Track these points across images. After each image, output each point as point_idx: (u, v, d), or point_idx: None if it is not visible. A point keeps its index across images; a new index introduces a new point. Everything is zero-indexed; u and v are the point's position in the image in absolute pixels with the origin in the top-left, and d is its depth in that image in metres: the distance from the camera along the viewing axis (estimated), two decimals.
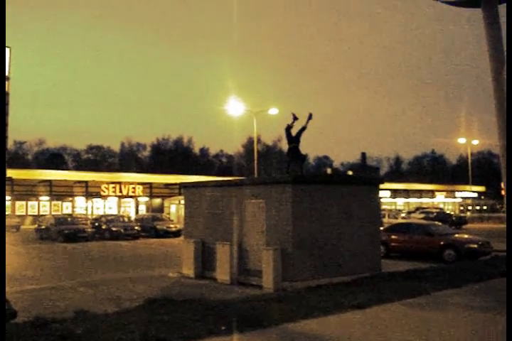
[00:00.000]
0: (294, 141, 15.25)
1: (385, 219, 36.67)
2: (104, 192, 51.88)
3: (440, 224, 23.64)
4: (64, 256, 22.86)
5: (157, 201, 56.22)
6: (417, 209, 55.45)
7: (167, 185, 55.38)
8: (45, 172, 51.74)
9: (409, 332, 8.31)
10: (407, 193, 78.60)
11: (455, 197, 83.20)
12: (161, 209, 54.39)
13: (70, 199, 51.16)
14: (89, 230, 32.66)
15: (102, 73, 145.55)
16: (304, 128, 15.22)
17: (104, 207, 52.73)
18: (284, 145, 16.23)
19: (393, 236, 21.10)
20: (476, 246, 19.33)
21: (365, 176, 19.25)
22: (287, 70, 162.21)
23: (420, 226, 21.68)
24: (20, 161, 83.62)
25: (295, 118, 15.31)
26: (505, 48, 5.00)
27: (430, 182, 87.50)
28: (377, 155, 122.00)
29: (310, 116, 15.21)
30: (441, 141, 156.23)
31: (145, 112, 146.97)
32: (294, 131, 15.32)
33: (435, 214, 46.16)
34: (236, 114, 43.90)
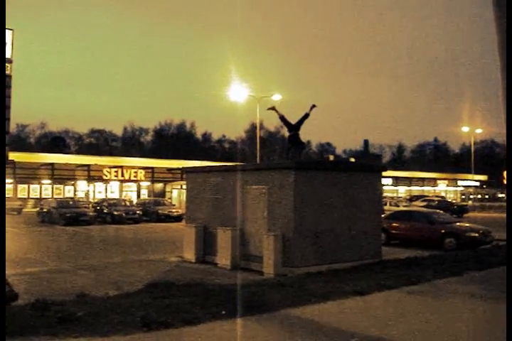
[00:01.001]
0: (294, 128, 15.42)
1: (387, 207, 36.66)
2: (106, 176, 51.85)
3: (441, 212, 23.62)
4: (65, 240, 22.93)
5: (159, 185, 56.23)
6: (412, 197, 55.32)
7: (169, 170, 55.32)
8: (47, 156, 51.66)
9: (410, 319, 8.32)
10: (409, 181, 78.58)
11: (457, 186, 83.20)
12: (162, 193, 54.42)
13: (72, 182, 51.18)
14: (91, 214, 32.72)
15: (105, 57, 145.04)
16: (306, 116, 15.41)
17: (106, 191, 52.76)
18: (287, 132, 16.46)
19: (394, 224, 21.10)
20: (477, 234, 19.32)
21: (368, 163, 19.24)
22: (291, 57, 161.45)
23: (421, 214, 21.67)
24: (23, 144, 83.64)
25: (273, 108, 15.91)
26: None
27: (432, 170, 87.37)
28: (379, 143, 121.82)
29: (313, 106, 15.59)
30: (445, 129, 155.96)
31: (148, 97, 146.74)
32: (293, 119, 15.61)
33: (437, 202, 46.15)
34: (239, 100, 43.78)
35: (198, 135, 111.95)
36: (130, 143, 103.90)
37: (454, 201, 62.32)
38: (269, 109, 16.20)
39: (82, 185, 51.68)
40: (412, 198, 53.59)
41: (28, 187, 48.96)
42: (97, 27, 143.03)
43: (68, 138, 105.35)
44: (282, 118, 15.57)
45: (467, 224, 21.51)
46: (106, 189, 52.84)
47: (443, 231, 19.51)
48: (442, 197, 64.79)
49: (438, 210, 25.30)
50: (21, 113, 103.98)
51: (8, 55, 37.81)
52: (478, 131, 70.05)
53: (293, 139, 15.52)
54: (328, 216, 13.95)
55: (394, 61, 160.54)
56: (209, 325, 7.64)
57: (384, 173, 16.97)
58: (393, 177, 70.89)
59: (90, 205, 37.34)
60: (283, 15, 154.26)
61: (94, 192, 51.77)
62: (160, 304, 8.60)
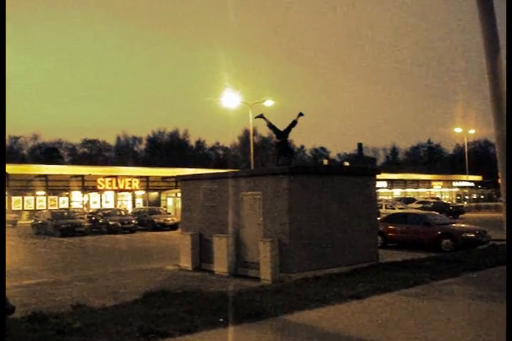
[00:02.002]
0: (282, 135, 15.50)
1: (382, 210, 36.70)
2: (101, 186, 51.71)
3: (437, 213, 23.67)
4: (61, 251, 22.84)
5: (154, 194, 56.12)
6: (400, 199, 55.04)
7: (164, 178, 55.27)
8: (40, 167, 51.52)
9: (408, 322, 8.31)
10: (404, 183, 78.73)
11: (452, 187, 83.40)
12: (158, 202, 54.29)
13: (67, 193, 51.03)
14: (86, 224, 32.59)
15: (96, 67, 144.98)
16: (294, 123, 15.53)
17: (101, 200, 52.60)
18: (275, 139, 16.55)
19: (390, 227, 21.11)
20: (473, 235, 19.36)
21: (362, 167, 19.33)
22: (283, 62, 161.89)
23: (417, 216, 21.70)
24: (16, 156, 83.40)
25: (261, 116, 15.95)
26: (499, 34, 4.95)
27: (427, 172, 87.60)
28: (373, 146, 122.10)
29: (300, 114, 15.68)
30: (438, 131, 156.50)
31: (140, 105, 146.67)
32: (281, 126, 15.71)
33: (432, 203, 46.21)
34: (232, 106, 43.78)
35: (192, 142, 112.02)
36: (124, 153, 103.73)
37: (449, 202, 62.43)
38: (257, 117, 16.34)
39: (76, 196, 51.52)
40: (400, 199, 53.24)
41: (23, 199, 48.77)
42: (89, 37, 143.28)
43: (61, 149, 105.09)
44: (270, 125, 15.68)
45: (463, 225, 21.57)
46: (101, 199, 52.70)
47: (439, 232, 19.54)
48: (437, 198, 64.92)
49: (434, 212, 25.36)
50: (13, 124, 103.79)
51: None
52: (471, 131, 70.32)
53: (282, 146, 15.63)
54: (324, 220, 13.93)
55: (386, 64, 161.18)
56: (207, 333, 7.61)
57: (378, 176, 16.99)
58: (388, 180, 71.03)
59: (85, 216, 37.19)
60: (275, 21, 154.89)
61: (89, 202, 51.62)
62: (157, 313, 8.57)
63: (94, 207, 49.32)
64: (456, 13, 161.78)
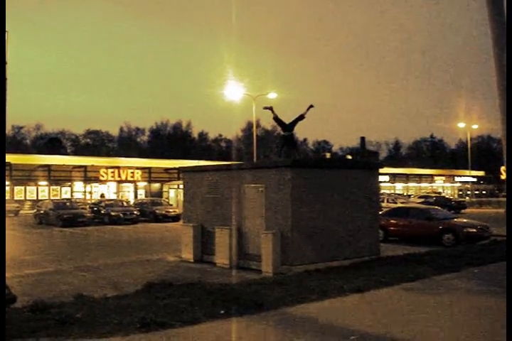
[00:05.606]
0: (288, 128, 15.46)
1: (384, 204, 36.64)
2: (103, 176, 51.77)
3: (439, 208, 23.64)
4: (63, 241, 22.88)
5: (156, 186, 56.18)
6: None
7: (166, 170, 55.31)
8: (43, 157, 51.59)
9: (408, 316, 8.32)
10: (406, 178, 78.69)
11: (454, 182, 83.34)
12: (160, 193, 54.36)
13: (69, 184, 51.08)
14: (88, 215, 32.64)
15: (100, 57, 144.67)
16: (301, 117, 15.47)
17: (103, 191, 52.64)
18: (281, 131, 16.50)
19: (392, 221, 21.09)
20: (474, 230, 19.34)
21: (365, 160, 19.21)
22: (287, 54, 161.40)
23: (419, 210, 21.68)
24: (19, 146, 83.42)
25: (269, 108, 15.81)
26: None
27: (429, 166, 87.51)
28: (376, 140, 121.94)
29: (310, 106, 15.55)
30: (441, 126, 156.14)
31: (144, 97, 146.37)
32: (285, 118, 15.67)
33: (434, 198, 46.16)
34: (235, 98, 43.62)
35: (195, 134, 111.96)
36: (126, 144, 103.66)
37: (451, 197, 62.37)
38: (265, 108, 16.17)
39: (78, 186, 51.57)
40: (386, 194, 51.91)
41: (25, 188, 48.83)
42: (92, 28, 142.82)
43: (64, 140, 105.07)
44: (276, 118, 15.65)
45: (465, 220, 21.52)
46: (103, 190, 52.72)
47: (441, 227, 19.52)
48: (439, 193, 64.85)
49: (436, 206, 25.32)
50: (17, 114, 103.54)
51: None
52: (475, 126, 70.13)
53: (288, 140, 15.61)
54: (326, 213, 13.93)
55: (390, 58, 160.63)
56: (208, 324, 7.62)
57: (381, 170, 16.97)
58: (390, 174, 71.00)
59: (87, 206, 37.25)
60: (278, 13, 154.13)
61: (91, 192, 51.68)
62: (158, 304, 8.58)
63: (96, 197, 49.25)
64: (463, 9, 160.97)
